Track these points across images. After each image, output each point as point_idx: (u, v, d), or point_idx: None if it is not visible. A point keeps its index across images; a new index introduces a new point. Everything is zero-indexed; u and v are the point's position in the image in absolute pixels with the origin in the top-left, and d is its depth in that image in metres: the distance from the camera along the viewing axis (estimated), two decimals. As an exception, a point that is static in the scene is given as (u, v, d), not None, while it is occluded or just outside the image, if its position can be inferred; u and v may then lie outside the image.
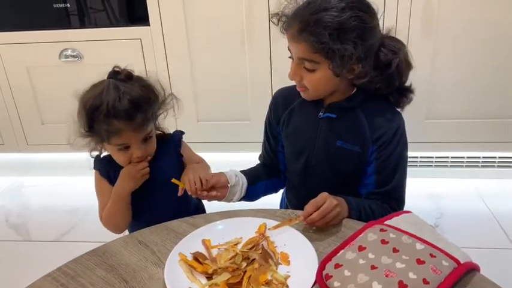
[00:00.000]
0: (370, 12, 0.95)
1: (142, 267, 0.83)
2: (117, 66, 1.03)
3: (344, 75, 0.98)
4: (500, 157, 2.02)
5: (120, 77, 1.01)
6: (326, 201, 0.90)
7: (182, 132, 1.20)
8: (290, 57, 1.01)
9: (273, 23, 1.02)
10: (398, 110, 1.07)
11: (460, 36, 1.74)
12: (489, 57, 1.76)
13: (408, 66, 1.03)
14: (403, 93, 1.06)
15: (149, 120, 1.02)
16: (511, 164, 2.03)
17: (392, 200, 1.05)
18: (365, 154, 1.04)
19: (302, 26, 0.93)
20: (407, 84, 1.06)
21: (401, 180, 1.06)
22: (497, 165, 2.03)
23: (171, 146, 1.15)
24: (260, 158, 1.27)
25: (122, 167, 1.07)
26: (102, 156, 1.10)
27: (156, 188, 1.10)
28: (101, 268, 0.84)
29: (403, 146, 1.05)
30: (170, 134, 1.17)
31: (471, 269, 0.76)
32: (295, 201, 1.20)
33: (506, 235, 1.71)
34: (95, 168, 1.11)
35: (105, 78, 1.02)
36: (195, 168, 1.10)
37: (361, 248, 0.78)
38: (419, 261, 0.73)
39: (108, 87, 0.98)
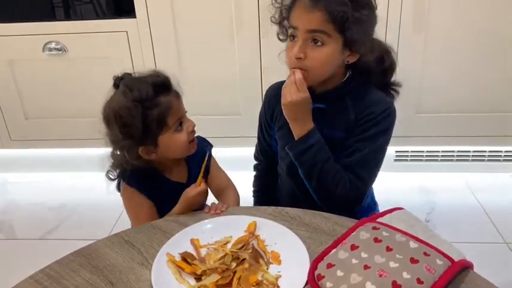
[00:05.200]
0: None
1: (129, 268, 0.81)
2: (116, 76, 1.02)
3: (355, 48, 0.97)
4: (490, 151, 2.02)
5: (129, 76, 1.01)
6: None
7: (211, 145, 1.15)
8: (291, 36, 0.98)
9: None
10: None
11: (451, 31, 1.74)
12: (480, 52, 1.76)
13: (395, 64, 1.09)
14: (393, 88, 1.10)
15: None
16: (501, 158, 2.04)
17: (353, 175, 1.01)
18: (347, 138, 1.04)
19: None
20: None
21: (367, 160, 1.02)
22: (487, 159, 2.04)
23: (198, 155, 1.10)
24: (255, 158, 1.28)
25: (156, 179, 1.04)
26: (129, 170, 1.04)
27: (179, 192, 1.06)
28: (86, 270, 0.81)
29: (382, 129, 1.02)
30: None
31: (465, 267, 0.75)
32: (286, 194, 1.20)
33: (497, 229, 1.72)
34: (130, 185, 1.04)
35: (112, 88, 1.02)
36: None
37: (353, 247, 0.77)
38: (413, 260, 0.72)
39: (132, 80, 0.98)
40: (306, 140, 1.00)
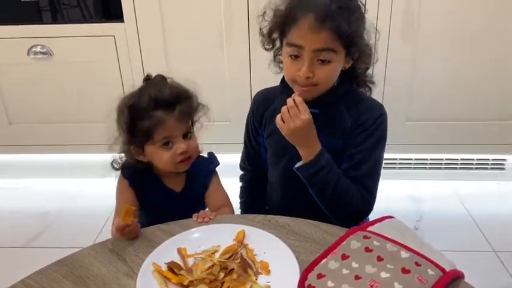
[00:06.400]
0: None
1: (113, 279, 0.79)
2: (148, 74, 1.05)
3: (360, 60, 0.98)
4: (478, 159, 2.04)
5: (157, 79, 1.03)
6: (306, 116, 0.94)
7: (217, 162, 1.14)
8: (292, 56, 0.96)
9: (261, 34, 1.01)
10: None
11: (441, 39, 1.74)
12: (469, 59, 1.77)
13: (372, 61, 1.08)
14: (370, 81, 1.09)
15: (189, 114, 1.02)
16: (488, 166, 2.06)
17: (361, 187, 1.02)
18: (346, 146, 1.03)
19: (323, 14, 0.90)
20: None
21: (373, 171, 1.04)
22: (475, 167, 2.06)
23: (203, 170, 1.11)
24: (241, 167, 1.27)
25: (150, 179, 1.05)
26: (128, 164, 1.07)
27: (181, 207, 1.05)
28: (69, 280, 0.79)
29: (380, 136, 1.03)
30: (203, 155, 1.13)
31: (456, 277, 0.74)
32: (276, 202, 1.18)
33: (485, 238, 1.72)
34: (124, 175, 1.08)
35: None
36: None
37: (344, 257, 0.76)
38: (405, 271, 0.71)
39: (147, 84, 1.02)
40: (316, 162, 0.98)
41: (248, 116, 1.19)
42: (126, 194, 1.07)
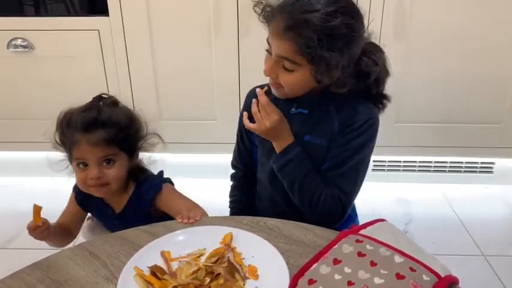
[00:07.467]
0: (360, 20, 0.92)
1: (92, 283, 0.76)
2: (104, 93, 1.06)
3: (324, 82, 0.93)
4: (466, 162, 2.05)
5: (105, 101, 1.04)
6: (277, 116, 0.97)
7: (162, 179, 1.09)
8: (267, 51, 0.96)
9: (255, 11, 0.96)
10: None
11: (431, 41, 1.75)
12: (459, 62, 1.77)
13: (386, 73, 1.02)
14: (379, 100, 1.04)
15: (112, 142, 0.98)
16: (477, 169, 2.07)
17: (336, 188, 1.00)
18: (330, 147, 1.01)
19: (289, 23, 0.87)
20: (384, 91, 1.04)
21: (352, 173, 1.01)
22: (464, 170, 2.07)
23: (148, 192, 1.07)
24: (233, 166, 1.25)
25: (97, 197, 1.07)
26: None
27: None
28: (44, 284, 0.76)
29: (366, 139, 1.00)
30: (150, 175, 1.10)
31: (451, 282, 0.72)
32: (265, 201, 1.17)
33: (474, 242, 1.72)
34: (73, 190, 1.13)
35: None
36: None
37: (336, 261, 0.73)
38: (399, 276, 0.69)
39: (91, 102, 1.03)
40: (285, 154, 1.00)
41: (240, 115, 1.16)
42: (71, 205, 1.13)
